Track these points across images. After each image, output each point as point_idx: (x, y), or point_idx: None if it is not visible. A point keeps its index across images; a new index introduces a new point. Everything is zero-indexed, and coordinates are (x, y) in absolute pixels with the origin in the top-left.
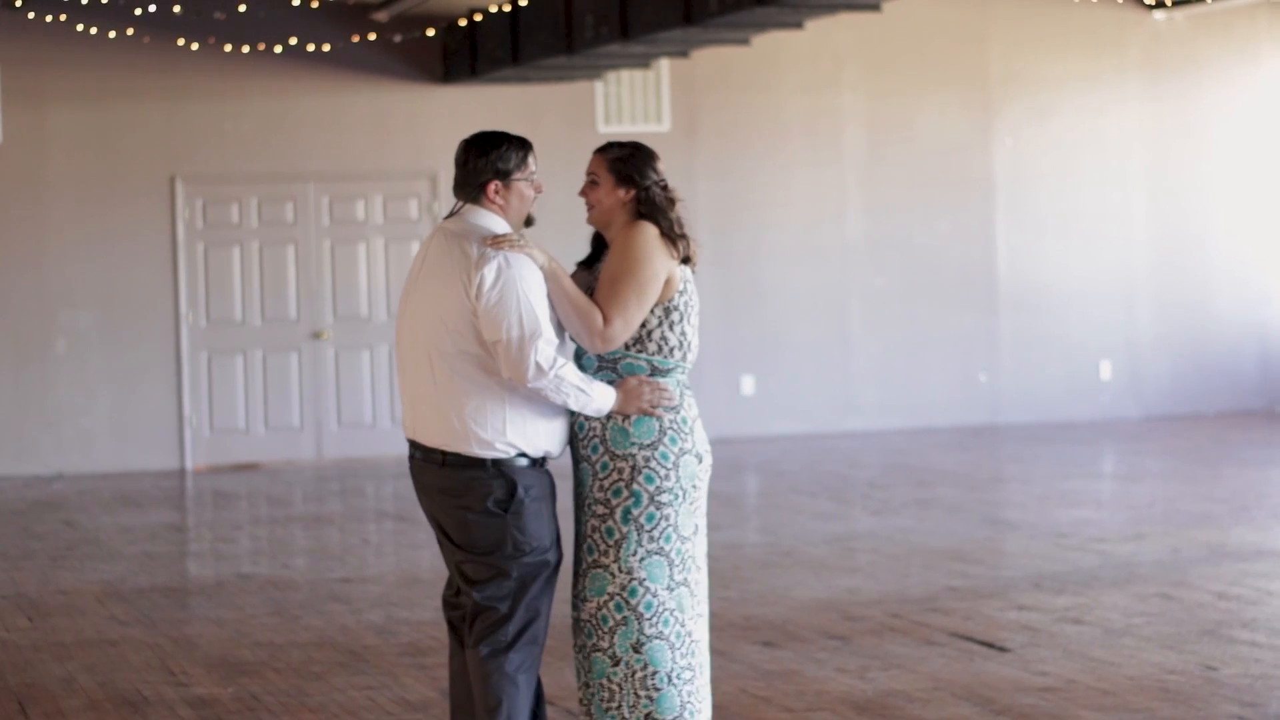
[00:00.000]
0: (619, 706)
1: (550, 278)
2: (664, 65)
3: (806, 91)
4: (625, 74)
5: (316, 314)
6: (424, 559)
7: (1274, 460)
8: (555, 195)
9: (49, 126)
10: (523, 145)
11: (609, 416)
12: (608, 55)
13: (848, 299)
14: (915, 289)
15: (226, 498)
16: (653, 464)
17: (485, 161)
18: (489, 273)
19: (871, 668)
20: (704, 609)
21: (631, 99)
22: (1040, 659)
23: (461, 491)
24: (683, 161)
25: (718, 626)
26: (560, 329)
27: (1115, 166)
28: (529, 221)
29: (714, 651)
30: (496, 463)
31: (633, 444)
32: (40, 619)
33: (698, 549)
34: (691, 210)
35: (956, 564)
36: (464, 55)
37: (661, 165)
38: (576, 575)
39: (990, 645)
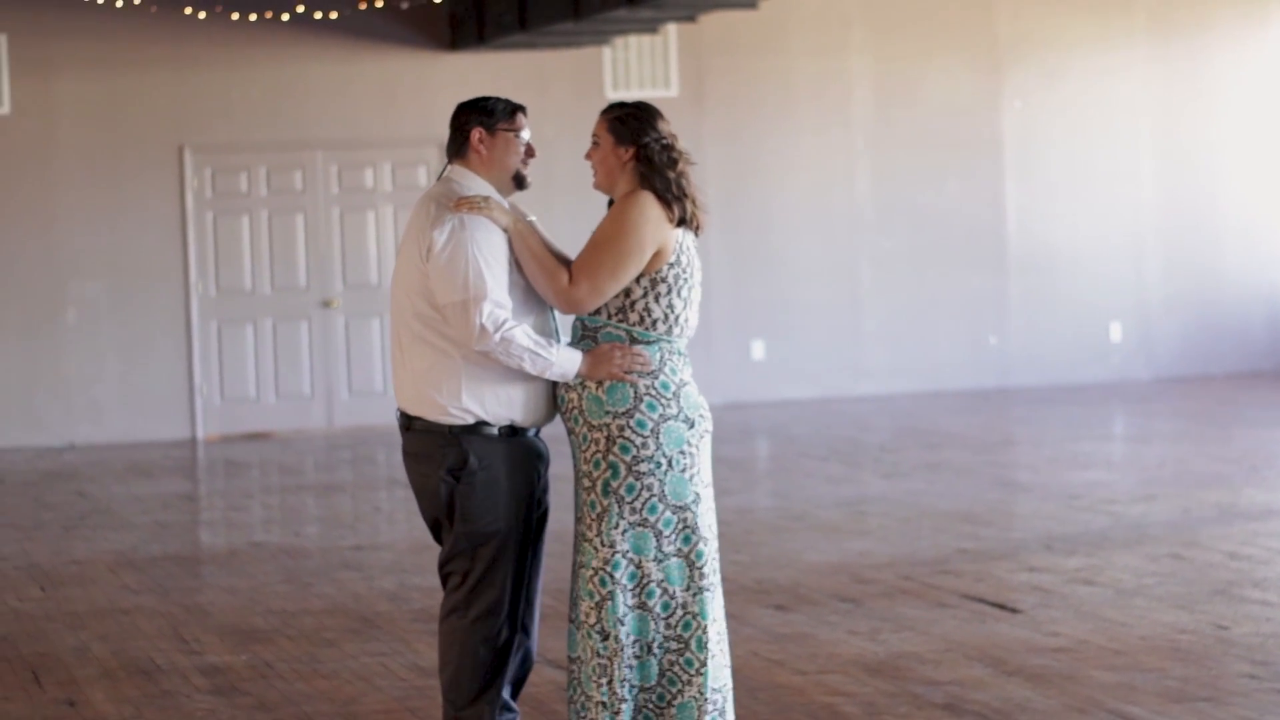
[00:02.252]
0: (610, 681)
1: (516, 238)
2: (671, 30)
3: (814, 55)
4: (633, 39)
5: (326, 282)
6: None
7: None
8: (565, 162)
9: (57, 96)
10: (512, 104)
11: (584, 386)
12: (615, 20)
13: (857, 262)
14: (924, 252)
15: (238, 466)
16: (628, 433)
17: (471, 112)
18: (440, 234)
19: (883, 630)
20: (708, 581)
21: (639, 64)
22: (1052, 620)
23: (423, 456)
24: (691, 126)
25: (729, 591)
26: (532, 294)
27: (1124, 128)
28: (521, 183)
29: (727, 615)
30: (453, 429)
31: (607, 413)
32: (53, 589)
33: (700, 519)
34: (700, 175)
35: (967, 526)
36: (471, 22)
37: (666, 124)
38: (575, 548)
39: (1002, 606)
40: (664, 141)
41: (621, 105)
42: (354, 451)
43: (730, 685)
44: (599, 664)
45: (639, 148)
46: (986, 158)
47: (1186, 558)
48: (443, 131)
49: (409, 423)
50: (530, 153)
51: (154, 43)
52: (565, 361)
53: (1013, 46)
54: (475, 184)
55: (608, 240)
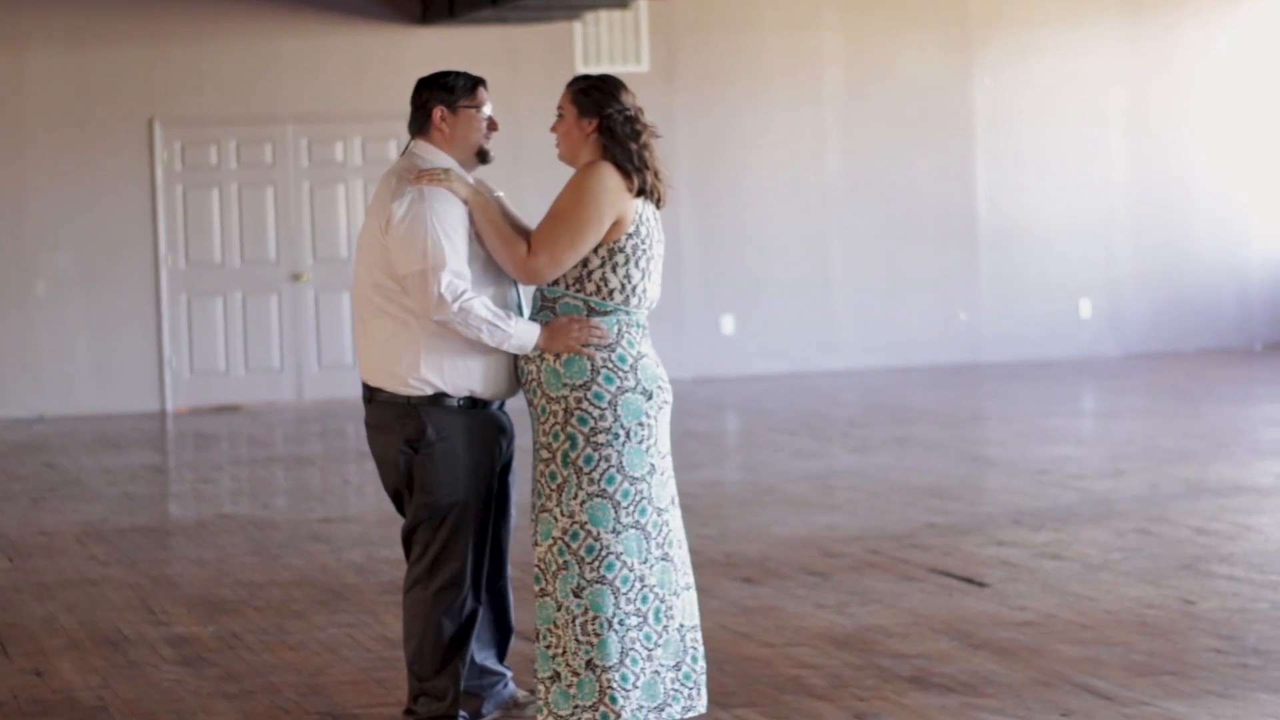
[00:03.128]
0: (563, 652)
1: (477, 210)
2: (642, 5)
3: (786, 31)
4: (604, 14)
5: (296, 256)
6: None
7: (1252, 397)
8: (535, 137)
9: (27, 69)
10: (472, 78)
11: (542, 358)
12: None
13: (827, 239)
14: (895, 228)
15: (207, 439)
16: (585, 405)
17: (432, 90)
18: (399, 206)
19: (850, 603)
20: (669, 551)
21: (610, 40)
22: (1019, 594)
23: (383, 427)
24: (662, 102)
25: (698, 564)
26: (493, 266)
27: (1095, 106)
28: (484, 157)
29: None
30: (412, 400)
31: (565, 385)
32: (21, 559)
33: (654, 490)
34: (670, 151)
35: (936, 501)
36: None
37: (630, 97)
38: (533, 520)
39: (969, 580)
40: (627, 113)
41: (586, 78)
42: (323, 424)
43: (694, 656)
44: (555, 634)
45: (602, 119)
46: (957, 135)
47: (1154, 533)
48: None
49: (370, 394)
50: (493, 126)
51: (125, 16)
52: (523, 334)
53: (984, 24)
54: (438, 159)
55: (565, 211)
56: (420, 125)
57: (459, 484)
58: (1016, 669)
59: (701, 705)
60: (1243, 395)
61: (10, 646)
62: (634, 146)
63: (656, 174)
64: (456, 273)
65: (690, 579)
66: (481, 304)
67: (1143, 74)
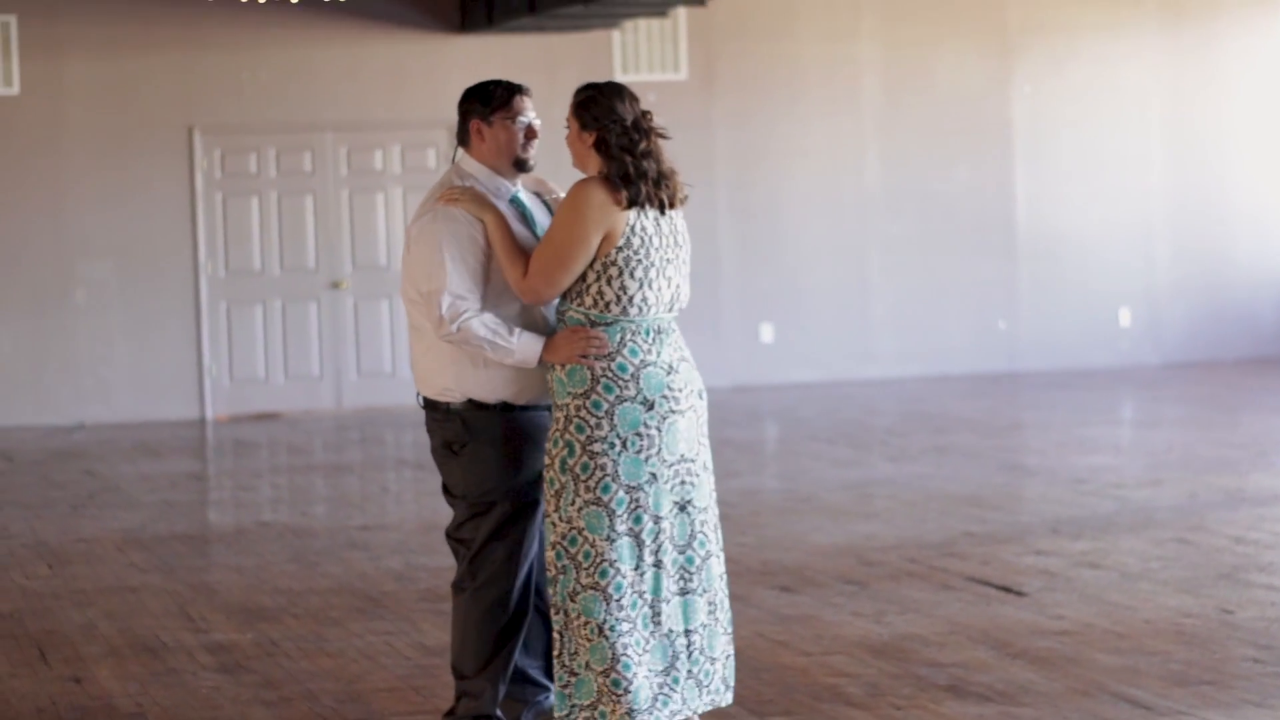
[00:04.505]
0: (560, 654)
1: (491, 230)
2: (681, 13)
3: (825, 40)
4: (642, 23)
5: (335, 263)
6: (443, 506)
7: None
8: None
9: (66, 77)
10: (511, 87)
11: (552, 369)
12: (625, 4)
13: (866, 247)
14: (933, 237)
15: (246, 447)
16: (583, 413)
17: (470, 102)
18: (414, 228)
19: (888, 612)
20: (662, 558)
21: (649, 48)
22: (1057, 603)
23: (430, 431)
24: (700, 110)
25: (735, 572)
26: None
27: (1134, 114)
28: (522, 166)
29: (732, 596)
30: (450, 406)
31: (568, 393)
32: (60, 567)
33: (653, 498)
34: (708, 159)
35: (974, 509)
36: (481, 4)
37: (627, 104)
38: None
39: (1007, 589)
40: (624, 123)
41: (587, 88)
42: (362, 432)
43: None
44: (556, 636)
45: (599, 132)
46: (996, 143)
47: (1192, 542)
48: (451, 114)
49: (421, 400)
50: (530, 134)
51: (164, 23)
52: (525, 349)
53: (1022, 32)
54: (477, 170)
55: (555, 232)
56: (463, 136)
57: (492, 486)
58: (1054, 678)
59: (700, 705)
60: None
61: (49, 653)
62: (629, 159)
63: (660, 179)
64: (457, 294)
65: (692, 584)
66: (480, 323)
67: (1182, 82)
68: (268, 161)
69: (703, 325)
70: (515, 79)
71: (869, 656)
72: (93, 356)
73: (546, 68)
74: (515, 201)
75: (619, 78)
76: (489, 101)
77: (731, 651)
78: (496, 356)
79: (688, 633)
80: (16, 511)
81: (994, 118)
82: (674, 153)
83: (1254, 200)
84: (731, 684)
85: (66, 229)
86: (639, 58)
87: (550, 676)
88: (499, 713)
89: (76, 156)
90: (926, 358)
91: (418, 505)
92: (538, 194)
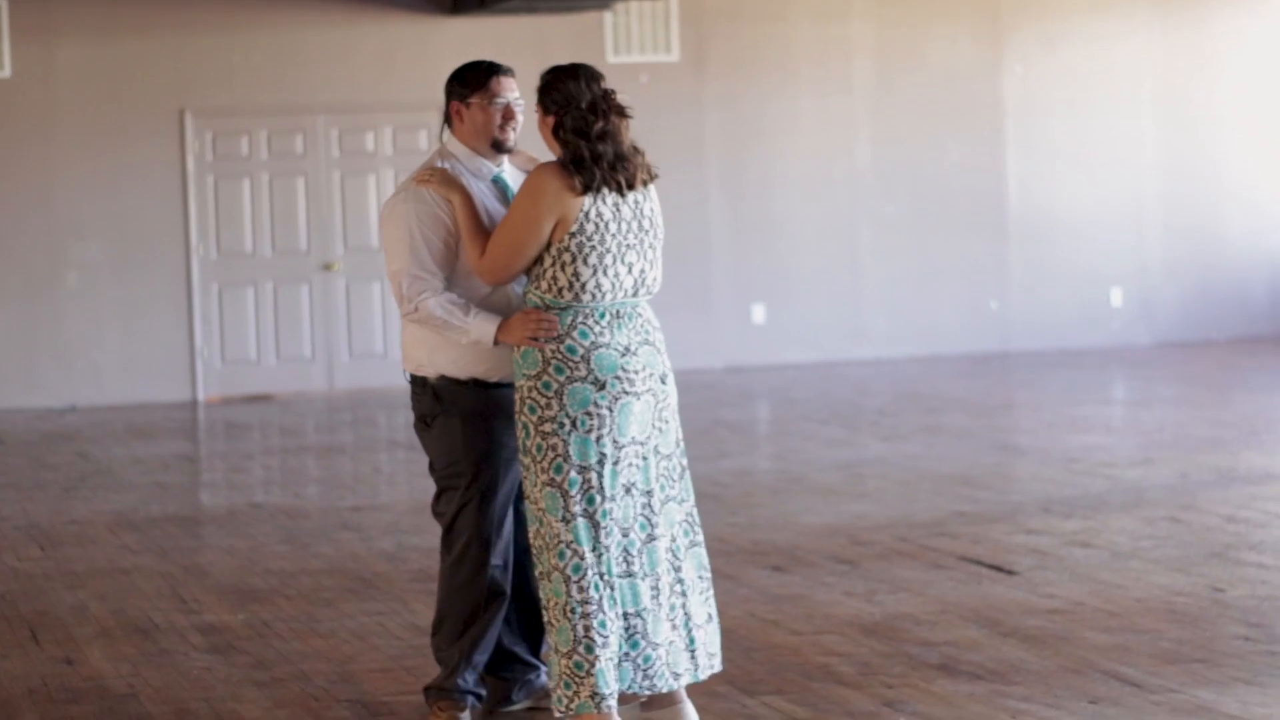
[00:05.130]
0: (547, 635)
1: (459, 211)
2: None
3: (816, 21)
4: (634, 4)
5: (327, 245)
6: (434, 487)
7: None
8: None
9: (58, 61)
10: (491, 69)
11: (513, 350)
12: None
13: (858, 228)
14: (925, 217)
15: (238, 428)
16: (534, 394)
17: (451, 84)
18: (384, 208)
19: (879, 591)
20: (613, 540)
21: (640, 30)
22: (1048, 582)
23: (411, 406)
24: (692, 91)
25: (726, 551)
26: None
27: (1126, 94)
28: (499, 147)
29: (723, 576)
30: (424, 380)
31: (523, 375)
32: (52, 548)
33: (605, 479)
34: (700, 141)
35: (965, 489)
36: None
37: (583, 86)
38: None
39: (998, 569)
40: (579, 106)
41: (548, 72)
42: (354, 414)
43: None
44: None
45: (557, 117)
46: (988, 124)
47: (1183, 521)
48: (444, 96)
49: (405, 375)
50: (508, 115)
51: (155, 6)
52: (479, 329)
53: (1014, 12)
54: (459, 150)
55: (510, 216)
56: (447, 117)
57: (460, 460)
58: (1045, 657)
59: (663, 685)
60: (1274, 383)
61: (41, 634)
62: (582, 143)
63: (618, 161)
64: (416, 274)
65: (634, 568)
66: (437, 303)
67: (1173, 62)
68: (259, 144)
69: (694, 306)
70: (507, 61)
71: (860, 635)
72: (84, 339)
73: (538, 49)
74: (498, 180)
75: (610, 59)
76: (467, 83)
77: (679, 640)
78: (452, 336)
79: (626, 615)
80: (9, 493)
81: (986, 98)
82: (665, 133)
83: (1246, 180)
84: (681, 671)
85: (58, 212)
86: (630, 39)
87: (537, 654)
88: (462, 684)
89: (68, 139)
90: (918, 338)
91: (409, 486)
92: (528, 173)
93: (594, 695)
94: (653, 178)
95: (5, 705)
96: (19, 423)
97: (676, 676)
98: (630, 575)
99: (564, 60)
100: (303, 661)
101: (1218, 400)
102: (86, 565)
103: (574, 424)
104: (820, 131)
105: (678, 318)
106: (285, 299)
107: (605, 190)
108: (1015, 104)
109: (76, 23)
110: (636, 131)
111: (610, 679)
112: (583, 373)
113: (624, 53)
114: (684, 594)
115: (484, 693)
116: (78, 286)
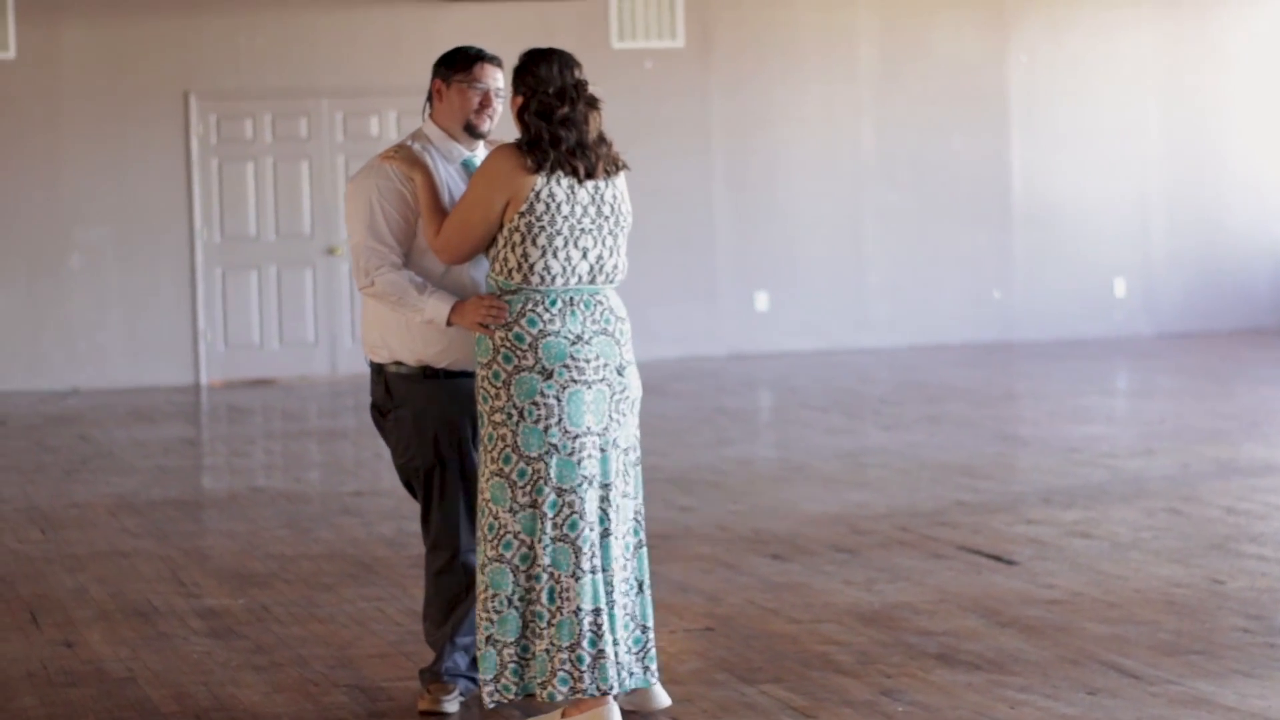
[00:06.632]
0: (480, 625)
1: (420, 189)
2: None
3: (821, 8)
4: None
5: (330, 230)
6: None
7: None
8: None
9: (62, 42)
10: (478, 54)
11: (470, 338)
12: None
13: (861, 216)
14: (929, 206)
15: (240, 412)
16: (485, 384)
17: (436, 64)
18: (349, 185)
19: (879, 580)
20: (568, 533)
21: (645, 15)
22: (1048, 572)
23: (370, 391)
24: (697, 78)
25: (727, 539)
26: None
27: (1131, 83)
28: (472, 131)
29: (723, 564)
30: (380, 366)
31: (478, 363)
32: (53, 531)
33: (555, 470)
34: (704, 127)
35: (966, 479)
36: None
37: (556, 69)
38: None
39: (998, 558)
40: (545, 90)
41: (526, 54)
42: (356, 398)
43: (605, 644)
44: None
45: (524, 97)
46: (992, 112)
47: (1184, 512)
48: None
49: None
50: (485, 102)
51: None
52: (434, 309)
53: (1019, 1)
54: (433, 132)
55: (464, 195)
56: (430, 95)
57: (416, 449)
58: (1044, 647)
59: (593, 689)
60: (1276, 375)
61: (41, 617)
62: (542, 125)
63: (580, 148)
64: (373, 248)
65: (604, 562)
66: (389, 281)
67: (1179, 52)
68: (264, 127)
69: (698, 293)
70: (510, 46)
71: (859, 624)
72: (88, 322)
73: (542, 36)
74: (467, 165)
75: (615, 45)
76: (452, 65)
77: (629, 639)
78: (407, 314)
79: (595, 611)
80: (10, 476)
81: (990, 87)
82: (669, 120)
83: (1250, 171)
84: (635, 671)
85: (62, 194)
86: (635, 25)
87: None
88: (451, 666)
89: (72, 122)
90: (921, 327)
91: None
92: None
93: (531, 680)
94: (619, 169)
95: (4, 687)
96: (21, 405)
97: (632, 676)
98: (596, 571)
99: (569, 46)
100: (302, 646)
101: (1220, 392)
102: (87, 548)
103: (521, 414)
104: (825, 119)
105: (681, 304)
106: (289, 283)
107: (560, 173)
108: (1020, 93)
109: (81, 4)
110: (642, 117)
111: (547, 668)
112: (530, 361)
113: (629, 39)
114: (641, 592)
115: (476, 675)
116: (81, 269)
